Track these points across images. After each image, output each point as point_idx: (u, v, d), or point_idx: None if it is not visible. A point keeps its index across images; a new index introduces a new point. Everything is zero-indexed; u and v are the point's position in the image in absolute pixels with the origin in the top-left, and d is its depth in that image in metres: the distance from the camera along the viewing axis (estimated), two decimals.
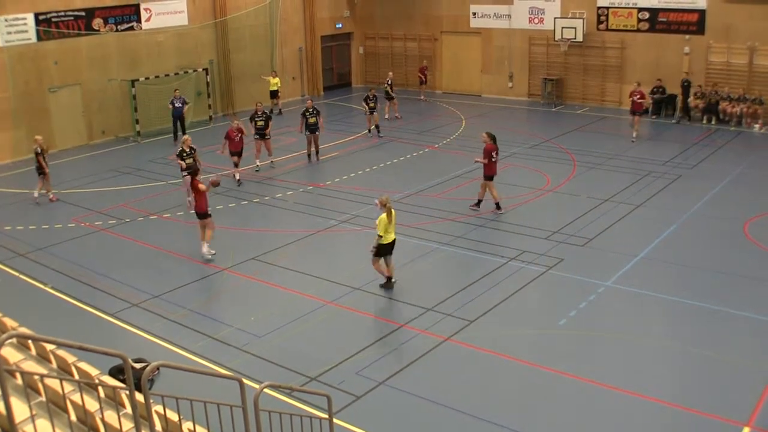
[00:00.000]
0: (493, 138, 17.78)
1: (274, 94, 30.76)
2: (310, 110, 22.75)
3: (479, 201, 18.10)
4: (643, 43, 28.97)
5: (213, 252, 15.70)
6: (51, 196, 20.04)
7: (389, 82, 29.22)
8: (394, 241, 13.79)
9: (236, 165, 21.05)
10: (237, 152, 20.92)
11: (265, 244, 16.60)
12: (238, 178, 21.06)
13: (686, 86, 27.38)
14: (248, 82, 31.74)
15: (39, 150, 19.47)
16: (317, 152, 23.38)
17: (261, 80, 31.26)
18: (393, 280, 13.98)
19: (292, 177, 21.67)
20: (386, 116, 28.65)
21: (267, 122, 22.09)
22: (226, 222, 18.09)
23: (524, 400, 10.49)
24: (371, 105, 25.80)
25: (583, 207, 18.19)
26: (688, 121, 27.40)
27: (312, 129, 22.77)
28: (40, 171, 19.57)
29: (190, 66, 29.20)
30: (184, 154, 18.58)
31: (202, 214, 15.61)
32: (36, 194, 19.86)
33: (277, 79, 30.88)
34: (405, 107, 30.37)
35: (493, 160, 17.62)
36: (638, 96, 24.43)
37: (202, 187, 15.37)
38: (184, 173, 18.37)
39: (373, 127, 26.31)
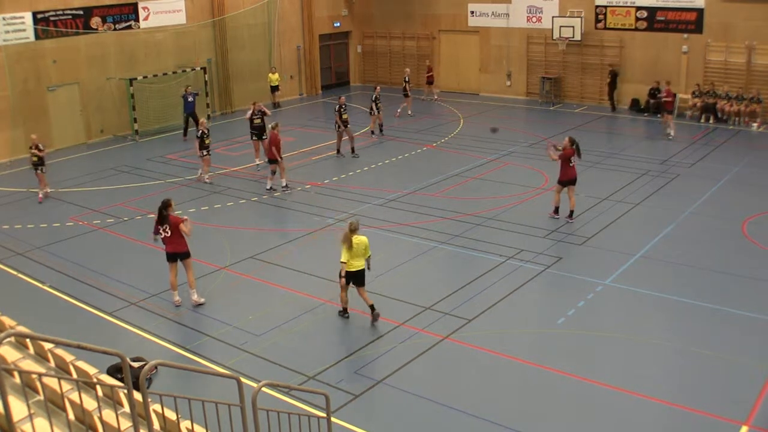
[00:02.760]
0: (573, 143, 16.88)
1: (274, 90, 31.50)
2: (344, 106, 23.14)
3: (571, 212, 17.15)
4: (641, 42, 28.99)
5: (203, 300, 13.66)
6: (40, 195, 20.11)
7: (407, 79, 29.41)
8: (360, 271, 12.49)
9: (274, 173, 20.16)
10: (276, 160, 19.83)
11: (263, 242, 16.60)
12: (269, 186, 20.23)
13: (613, 77, 28.70)
14: (247, 80, 31.81)
15: (33, 147, 19.68)
16: (353, 149, 23.57)
17: (261, 80, 31.72)
18: (375, 312, 12.62)
19: (290, 176, 21.63)
20: (409, 112, 29.30)
21: (263, 120, 22.27)
22: (224, 221, 18.09)
23: (522, 398, 10.50)
24: (379, 105, 25.77)
25: (581, 205, 18.19)
26: (612, 111, 28.88)
27: (346, 124, 23.18)
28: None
29: (188, 65, 29.19)
30: (204, 135, 20.57)
31: (183, 254, 13.31)
32: (40, 194, 20.05)
33: (276, 75, 31.42)
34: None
35: (571, 165, 16.87)
36: (665, 95, 24.95)
37: (184, 228, 13.07)
38: (204, 152, 20.72)
39: (376, 126, 26.27)
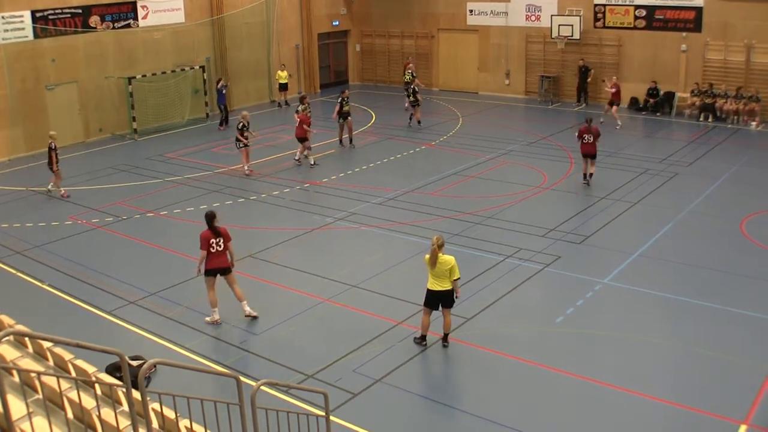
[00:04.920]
0: (587, 122, 19.43)
1: (283, 87, 31.66)
2: (347, 99, 24.14)
3: (590, 174, 19.64)
4: (640, 41, 28.99)
5: (256, 313, 12.93)
6: (62, 192, 20.07)
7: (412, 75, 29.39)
8: (446, 292, 11.37)
9: (310, 148, 22.56)
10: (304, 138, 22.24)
11: (261, 241, 16.59)
12: (312, 162, 22.41)
13: (584, 72, 29.63)
14: (245, 79, 31.83)
15: (53, 146, 19.60)
16: (351, 139, 24.73)
17: (259, 78, 32.07)
18: (445, 344, 11.76)
19: (288, 174, 21.68)
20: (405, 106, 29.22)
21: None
22: (223, 220, 18.03)
23: (521, 397, 10.50)
24: (412, 99, 26.86)
25: (579, 204, 18.21)
26: (586, 105, 29.71)
27: (345, 116, 24.16)
28: (52, 167, 19.74)
29: (187, 63, 29.18)
30: (245, 129, 21.16)
31: (228, 269, 12.61)
32: (50, 186, 20.08)
33: (285, 73, 31.56)
34: (401, 104, 30.33)
35: (585, 141, 19.13)
36: (614, 88, 26.66)
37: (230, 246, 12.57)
38: (241, 145, 21.33)
39: (416, 121, 27.12)
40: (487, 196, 19.14)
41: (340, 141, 24.73)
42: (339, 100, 24.10)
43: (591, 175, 19.53)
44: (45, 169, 20.16)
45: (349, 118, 24.37)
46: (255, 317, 12.81)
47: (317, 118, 29.78)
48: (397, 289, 13.79)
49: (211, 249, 12.30)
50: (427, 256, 11.36)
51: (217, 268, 12.41)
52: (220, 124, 28.00)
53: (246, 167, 21.62)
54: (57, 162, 19.63)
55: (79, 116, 26.51)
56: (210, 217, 12.40)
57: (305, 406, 9.92)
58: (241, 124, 21.12)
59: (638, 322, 12.54)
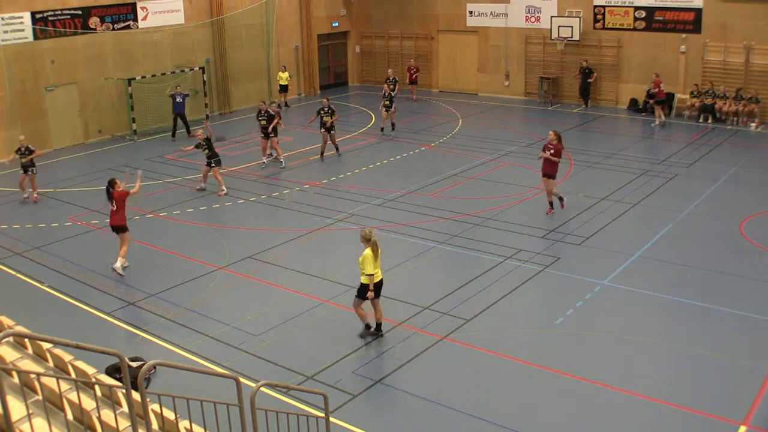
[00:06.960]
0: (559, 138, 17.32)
1: (283, 89, 31.59)
2: (326, 109, 22.85)
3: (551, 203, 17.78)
4: (639, 42, 29.02)
5: (126, 265, 14.99)
6: (34, 195, 20.03)
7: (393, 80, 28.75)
8: (381, 281, 11.91)
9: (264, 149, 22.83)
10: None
11: (261, 242, 16.59)
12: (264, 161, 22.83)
13: (586, 72, 29.60)
14: (245, 81, 31.84)
15: (20, 149, 19.73)
16: (337, 148, 23.50)
17: (259, 80, 32.03)
18: (380, 328, 12.16)
19: (288, 176, 21.68)
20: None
21: (270, 121, 22.15)
22: (223, 221, 18.10)
23: (521, 398, 10.50)
24: (386, 103, 25.83)
25: (579, 206, 18.20)
26: (586, 107, 29.79)
27: (327, 128, 22.77)
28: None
29: (186, 65, 29.19)
30: (201, 146, 19.93)
31: (120, 228, 14.97)
32: (26, 194, 20.07)
33: (286, 74, 31.56)
34: (400, 106, 30.31)
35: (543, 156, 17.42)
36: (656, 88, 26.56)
37: (121, 188, 14.97)
38: (206, 161, 20.13)
39: (389, 124, 26.22)
40: (486, 197, 19.15)
41: (336, 149, 23.45)
42: (317, 110, 23.01)
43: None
44: (45, 170, 20.23)
45: (332, 131, 22.86)
46: (120, 275, 14.76)
47: (317, 119, 29.80)
48: (396, 291, 13.76)
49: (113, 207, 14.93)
50: (367, 252, 11.59)
51: (112, 225, 15.04)
52: (173, 135, 26.52)
53: (203, 184, 20.36)
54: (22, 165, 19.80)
55: (79, 117, 26.51)
56: (108, 185, 14.94)
57: (305, 408, 9.92)
58: (197, 143, 20.07)
59: (638, 323, 12.55)
